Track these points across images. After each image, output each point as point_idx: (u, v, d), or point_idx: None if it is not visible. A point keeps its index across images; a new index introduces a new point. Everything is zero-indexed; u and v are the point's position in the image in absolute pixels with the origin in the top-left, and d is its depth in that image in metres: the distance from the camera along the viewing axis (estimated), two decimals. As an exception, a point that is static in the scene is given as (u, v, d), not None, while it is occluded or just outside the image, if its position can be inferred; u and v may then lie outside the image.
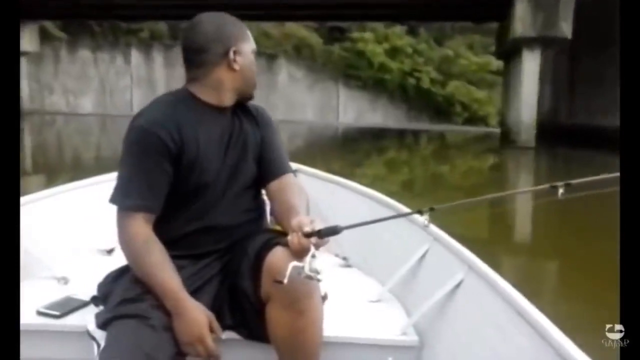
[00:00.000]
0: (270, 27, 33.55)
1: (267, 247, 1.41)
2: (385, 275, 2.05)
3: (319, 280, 1.27)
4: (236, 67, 1.50)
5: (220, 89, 1.51)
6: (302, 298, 1.36)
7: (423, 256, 2.01)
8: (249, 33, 1.56)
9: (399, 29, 35.11)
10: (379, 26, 34.63)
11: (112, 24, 31.59)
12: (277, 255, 1.36)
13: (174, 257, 1.42)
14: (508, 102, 18.97)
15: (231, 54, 1.49)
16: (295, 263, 1.26)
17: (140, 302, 1.34)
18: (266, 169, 1.60)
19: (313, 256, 1.26)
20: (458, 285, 1.74)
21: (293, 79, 35.54)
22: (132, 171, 1.43)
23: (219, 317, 1.41)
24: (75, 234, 2.31)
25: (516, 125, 17.72)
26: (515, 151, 16.27)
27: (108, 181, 2.34)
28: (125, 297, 1.36)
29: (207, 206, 1.51)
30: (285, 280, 1.24)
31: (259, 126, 1.61)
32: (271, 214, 1.70)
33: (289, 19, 28.12)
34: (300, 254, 1.30)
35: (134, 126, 1.44)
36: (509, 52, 18.91)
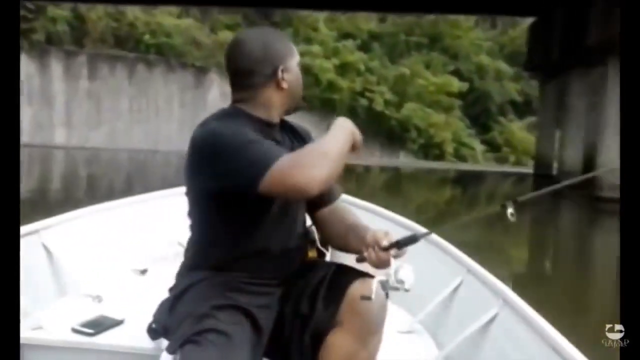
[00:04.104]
0: (201, 35, 28.02)
1: (345, 275, 1.43)
2: (417, 306, 2.01)
3: (406, 290, 1.30)
4: (285, 85, 1.48)
5: (270, 107, 1.50)
6: (373, 332, 1.41)
7: (456, 288, 2.01)
8: (293, 46, 1.53)
9: (350, 42, 31.05)
10: (329, 38, 30.46)
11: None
12: (362, 286, 1.37)
13: (233, 276, 1.44)
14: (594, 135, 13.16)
15: (279, 74, 1.47)
16: (379, 277, 1.30)
17: (214, 318, 1.32)
18: (318, 196, 1.47)
19: (397, 268, 1.30)
20: (492, 320, 1.73)
21: (226, 97, 28.91)
22: (246, 148, 1.33)
23: (277, 341, 1.44)
24: (110, 253, 2.29)
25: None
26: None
27: (144, 201, 2.56)
28: (196, 314, 1.33)
29: (264, 229, 1.47)
30: (373, 296, 1.29)
31: (303, 144, 1.55)
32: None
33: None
34: (380, 268, 1.34)
35: (209, 129, 1.40)
36: (583, 57, 13.02)
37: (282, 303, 1.48)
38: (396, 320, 1.94)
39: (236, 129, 1.36)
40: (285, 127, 1.56)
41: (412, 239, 1.34)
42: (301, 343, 1.42)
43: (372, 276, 1.37)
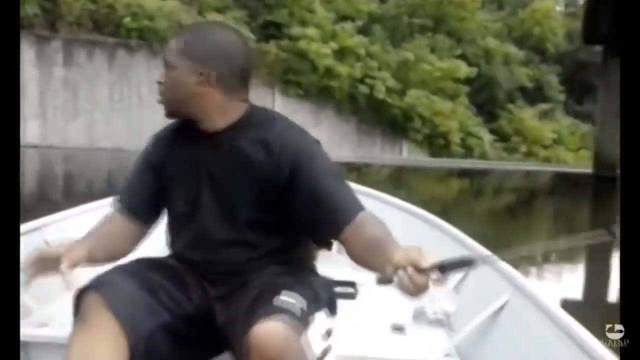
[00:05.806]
0: (187, 18, 25.96)
1: (257, 313, 1.21)
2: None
3: (449, 326, 1.14)
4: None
5: None
6: None
7: (466, 275, 1.99)
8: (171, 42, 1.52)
9: (349, 25, 29.03)
10: (326, 21, 28.49)
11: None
12: (264, 331, 1.15)
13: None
14: None
15: None
16: (416, 304, 1.17)
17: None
18: (320, 224, 1.37)
19: (437, 296, 1.18)
20: (503, 306, 1.71)
21: (216, 85, 28.14)
22: (128, 178, 1.58)
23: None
24: None
25: None
26: None
27: None
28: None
29: (199, 239, 1.47)
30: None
31: (272, 157, 1.41)
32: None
33: None
34: (414, 295, 1.14)
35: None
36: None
37: (226, 309, 1.41)
38: (408, 309, 1.93)
39: (142, 153, 1.59)
40: (242, 136, 1.43)
41: (464, 262, 1.09)
42: None
43: (283, 309, 1.20)
